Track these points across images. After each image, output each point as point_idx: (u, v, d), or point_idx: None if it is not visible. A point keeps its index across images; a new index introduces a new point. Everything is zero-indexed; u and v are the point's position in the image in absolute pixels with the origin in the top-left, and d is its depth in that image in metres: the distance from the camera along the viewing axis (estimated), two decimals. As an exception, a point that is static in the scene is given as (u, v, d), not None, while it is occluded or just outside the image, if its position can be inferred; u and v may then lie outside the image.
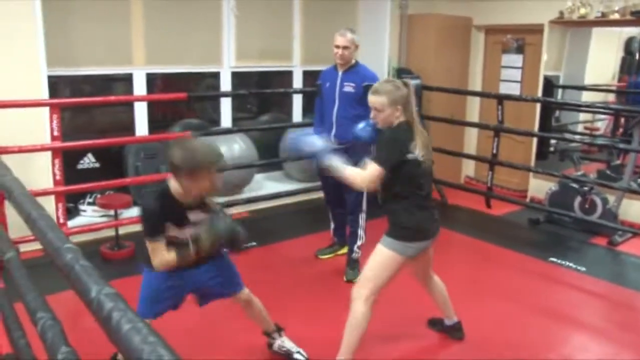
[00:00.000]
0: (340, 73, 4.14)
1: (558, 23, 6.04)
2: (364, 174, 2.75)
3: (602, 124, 8.23)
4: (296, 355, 3.09)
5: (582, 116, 7.99)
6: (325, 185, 4.47)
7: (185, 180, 2.37)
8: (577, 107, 6.90)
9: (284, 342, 3.12)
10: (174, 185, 2.44)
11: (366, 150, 3.70)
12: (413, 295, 3.64)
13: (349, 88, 4.05)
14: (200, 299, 2.85)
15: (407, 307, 3.75)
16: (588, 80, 7.57)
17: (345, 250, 4.46)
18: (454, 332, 3.43)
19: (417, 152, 2.76)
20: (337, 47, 4.05)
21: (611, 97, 7.96)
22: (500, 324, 3.65)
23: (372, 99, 2.83)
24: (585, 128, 8.04)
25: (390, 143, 2.79)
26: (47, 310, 1.36)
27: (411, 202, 2.81)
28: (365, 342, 2.95)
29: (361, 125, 3.10)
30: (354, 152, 3.78)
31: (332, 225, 4.62)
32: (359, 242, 4.27)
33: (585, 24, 5.98)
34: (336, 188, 4.03)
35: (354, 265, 4.24)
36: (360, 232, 4.25)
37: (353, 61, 4.14)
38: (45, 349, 1.28)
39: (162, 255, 2.43)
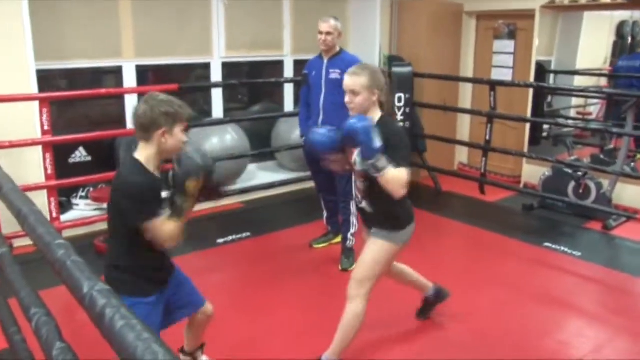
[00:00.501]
0: (325, 61, 4.19)
1: (550, 8, 6.02)
2: (403, 181, 2.52)
3: (595, 108, 8.27)
4: None
5: (575, 101, 8.01)
6: (315, 174, 4.45)
7: (164, 137, 2.18)
8: (570, 92, 6.91)
9: None
10: (146, 154, 2.21)
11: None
12: (398, 291, 3.64)
13: (334, 75, 4.07)
14: (176, 317, 2.55)
15: (394, 303, 3.72)
16: (580, 65, 7.59)
17: (339, 239, 4.43)
18: (441, 296, 3.40)
19: None
20: (321, 33, 4.13)
21: (603, 82, 7.99)
22: (496, 311, 3.65)
23: (349, 81, 2.63)
24: (578, 113, 8.06)
25: (404, 138, 2.66)
26: (41, 306, 1.34)
27: (401, 201, 2.68)
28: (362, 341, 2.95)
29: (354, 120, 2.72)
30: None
31: (325, 214, 4.61)
32: (352, 230, 4.26)
33: (576, 8, 5.97)
34: (327, 176, 4.00)
35: (349, 254, 4.24)
36: (353, 219, 4.23)
37: (337, 48, 4.20)
38: (40, 344, 1.26)
39: (168, 229, 2.17)
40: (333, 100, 4.05)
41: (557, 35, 6.94)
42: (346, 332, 2.77)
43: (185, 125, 2.24)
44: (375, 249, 2.78)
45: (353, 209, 4.18)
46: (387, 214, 2.76)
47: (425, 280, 3.38)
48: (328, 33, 4.11)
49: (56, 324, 1.21)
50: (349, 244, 4.27)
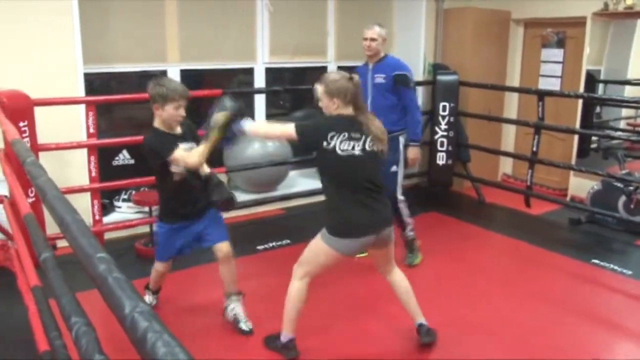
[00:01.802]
0: (370, 66, 4.28)
1: (602, 15, 5.84)
2: (280, 127, 2.97)
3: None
4: (242, 325, 3.32)
5: (625, 112, 7.75)
6: None
7: (157, 110, 2.98)
8: (623, 103, 6.65)
9: (236, 309, 3.35)
10: (157, 122, 3.04)
11: (393, 147, 3.98)
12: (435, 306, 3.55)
13: (379, 79, 4.19)
14: (193, 245, 3.33)
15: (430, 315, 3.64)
16: (632, 74, 7.34)
17: (418, 242, 4.55)
18: (422, 335, 3.18)
19: (337, 144, 2.77)
20: (365, 39, 4.22)
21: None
22: (541, 328, 3.52)
23: (315, 87, 2.91)
24: (628, 124, 7.79)
25: (313, 120, 2.98)
26: (81, 315, 1.32)
27: (342, 198, 2.82)
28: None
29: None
30: (389, 144, 3.92)
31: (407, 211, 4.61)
32: (408, 227, 4.41)
33: (631, 15, 5.77)
34: (391, 183, 4.17)
35: (412, 246, 4.43)
36: (406, 218, 4.39)
37: (382, 54, 4.27)
38: (79, 355, 1.24)
39: (191, 155, 2.92)
40: (379, 104, 4.14)
41: (607, 43, 6.72)
42: (286, 308, 3.01)
43: (179, 104, 2.97)
44: (315, 241, 2.94)
45: (405, 210, 4.36)
46: (326, 214, 2.91)
47: (418, 312, 3.20)
48: (372, 39, 4.18)
49: (96, 335, 1.18)
50: (409, 237, 4.44)
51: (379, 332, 3.43)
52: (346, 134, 2.78)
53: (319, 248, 2.90)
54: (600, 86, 6.99)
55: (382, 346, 3.28)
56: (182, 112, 3.00)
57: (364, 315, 3.62)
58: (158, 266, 3.40)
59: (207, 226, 3.24)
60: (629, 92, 7.24)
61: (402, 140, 4.24)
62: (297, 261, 3.03)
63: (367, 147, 2.83)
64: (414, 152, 4.26)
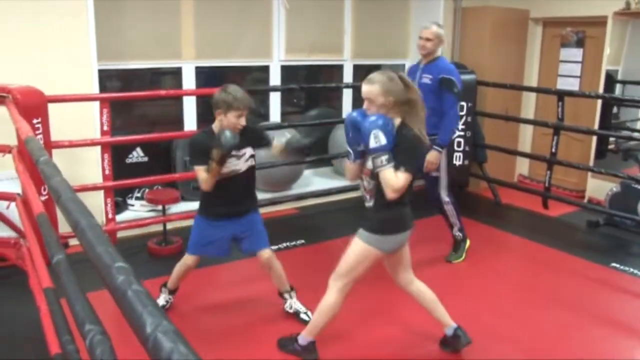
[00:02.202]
0: (421, 66, 4.25)
1: (623, 14, 5.73)
2: (399, 184, 2.62)
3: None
4: (302, 315, 3.44)
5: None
6: (422, 178, 4.51)
7: (219, 116, 3.06)
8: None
9: (294, 303, 3.48)
10: (215, 125, 3.11)
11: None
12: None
13: (426, 80, 4.13)
14: (241, 246, 3.37)
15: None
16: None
17: (468, 243, 4.62)
18: (458, 342, 3.11)
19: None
20: (421, 38, 4.18)
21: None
22: (561, 334, 3.45)
23: (364, 89, 2.73)
24: (646, 126, 7.68)
25: (413, 148, 2.71)
26: (96, 322, 1.27)
27: (402, 199, 2.73)
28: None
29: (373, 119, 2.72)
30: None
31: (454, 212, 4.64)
32: (456, 228, 4.50)
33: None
34: (430, 183, 4.41)
35: (457, 246, 4.52)
36: (453, 219, 4.47)
37: (437, 54, 4.24)
38: (93, 364, 1.18)
39: (200, 176, 3.05)
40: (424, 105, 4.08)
41: (625, 43, 6.60)
42: (318, 317, 2.96)
43: (242, 113, 3.04)
44: (353, 245, 2.85)
45: (451, 211, 4.45)
46: (372, 214, 2.82)
47: (447, 317, 3.13)
48: (428, 39, 4.14)
49: (111, 344, 1.13)
50: (458, 237, 4.54)
51: (394, 337, 3.37)
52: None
53: (361, 251, 2.82)
54: (618, 86, 6.89)
55: (398, 352, 3.21)
56: (243, 121, 3.06)
57: (377, 320, 3.57)
58: (187, 259, 3.36)
59: (247, 229, 3.31)
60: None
61: None
62: (333, 274, 2.92)
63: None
64: (433, 156, 4.12)
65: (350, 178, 2.99)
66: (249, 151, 3.20)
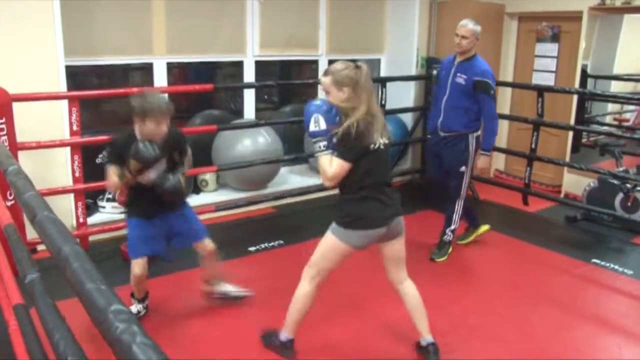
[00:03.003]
0: (456, 63, 4.19)
1: (599, 10, 5.72)
2: (328, 172, 2.66)
3: (631, 115, 7.93)
4: (234, 293, 3.54)
5: (610, 107, 7.70)
6: (434, 164, 4.54)
7: (138, 123, 2.94)
8: (620, 99, 6.56)
9: (224, 286, 3.53)
10: (136, 129, 2.98)
11: (462, 147, 4.17)
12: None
13: (460, 80, 4.10)
14: (174, 243, 3.30)
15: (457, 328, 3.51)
16: (617, 69, 7.27)
17: (484, 228, 4.73)
18: (425, 355, 3.00)
19: (375, 139, 2.69)
20: (457, 35, 4.13)
21: (640, 88, 7.65)
22: (550, 333, 3.40)
23: (322, 80, 2.74)
24: (614, 119, 7.74)
25: (351, 139, 2.63)
26: (78, 354, 1.13)
27: (358, 192, 2.72)
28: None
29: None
30: (452, 144, 4.20)
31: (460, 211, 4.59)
32: (452, 227, 4.43)
33: (629, 10, 5.66)
34: (444, 174, 4.36)
35: (442, 246, 4.44)
36: (455, 217, 4.40)
37: (472, 53, 4.17)
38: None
39: (112, 178, 2.99)
40: (454, 104, 4.15)
41: (594, 38, 6.62)
42: (292, 309, 2.93)
43: (159, 120, 2.92)
44: (325, 240, 2.84)
45: (458, 207, 4.38)
46: (339, 206, 2.80)
47: (426, 329, 3.02)
48: (463, 37, 4.09)
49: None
50: (445, 238, 4.44)
51: (373, 332, 3.29)
52: (376, 128, 2.71)
53: (329, 243, 2.81)
54: (589, 81, 6.92)
55: (379, 348, 3.13)
56: (163, 128, 2.96)
57: (356, 315, 3.51)
58: (134, 267, 3.17)
59: (182, 224, 3.26)
60: (615, 87, 7.19)
61: (471, 140, 4.18)
62: (307, 264, 2.92)
63: (383, 140, 2.74)
64: (483, 161, 4.22)
65: None
66: (169, 160, 3.12)
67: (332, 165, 2.64)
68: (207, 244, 3.32)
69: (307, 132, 2.68)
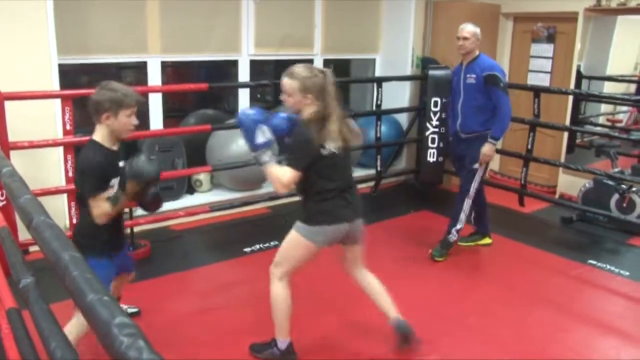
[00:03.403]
0: (464, 66, 4.30)
1: (594, 11, 5.72)
2: (282, 180, 2.67)
3: (624, 116, 7.95)
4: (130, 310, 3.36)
5: (603, 108, 7.71)
6: (457, 172, 4.69)
7: (108, 120, 2.50)
8: (623, 101, 6.56)
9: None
10: (100, 134, 2.55)
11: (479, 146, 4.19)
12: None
13: (470, 80, 4.23)
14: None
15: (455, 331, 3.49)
16: (610, 70, 7.28)
17: (486, 240, 4.73)
18: (402, 336, 3.00)
19: (331, 145, 2.71)
20: (458, 38, 4.22)
21: (633, 88, 7.67)
22: (547, 335, 3.39)
23: (284, 82, 2.73)
24: (607, 120, 7.76)
25: (303, 143, 2.69)
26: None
27: (320, 194, 2.77)
28: None
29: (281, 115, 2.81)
30: (472, 143, 4.26)
31: (473, 214, 4.64)
32: (458, 226, 4.40)
33: (624, 11, 5.66)
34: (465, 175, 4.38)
35: (445, 245, 4.42)
36: (462, 216, 4.38)
37: (476, 53, 4.25)
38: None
39: (100, 208, 2.49)
40: (470, 104, 4.26)
41: (587, 39, 6.63)
42: (275, 315, 2.91)
43: (132, 111, 2.54)
44: (288, 238, 2.87)
45: (465, 206, 4.37)
46: (303, 206, 2.84)
47: (392, 309, 3.03)
48: (465, 38, 4.18)
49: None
50: (450, 237, 4.41)
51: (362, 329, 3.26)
52: (330, 132, 2.73)
53: (294, 241, 2.85)
54: (584, 82, 6.92)
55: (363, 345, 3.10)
56: (135, 120, 2.58)
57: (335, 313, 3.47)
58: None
59: (126, 253, 2.94)
60: (607, 88, 7.21)
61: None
62: (273, 263, 2.92)
63: (339, 145, 2.77)
64: (487, 148, 4.21)
65: None
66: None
67: (285, 172, 2.65)
68: (131, 274, 3.03)
69: (250, 143, 2.66)
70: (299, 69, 2.73)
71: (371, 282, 3.07)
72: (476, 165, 4.28)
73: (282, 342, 2.95)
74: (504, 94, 4.15)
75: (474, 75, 4.20)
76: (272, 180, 2.70)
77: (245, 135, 2.67)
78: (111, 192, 2.54)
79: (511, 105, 4.20)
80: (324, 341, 3.25)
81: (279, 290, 2.87)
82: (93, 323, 0.73)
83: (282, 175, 2.65)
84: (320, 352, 3.13)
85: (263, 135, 2.64)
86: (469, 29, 4.19)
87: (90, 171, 2.47)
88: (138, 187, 2.54)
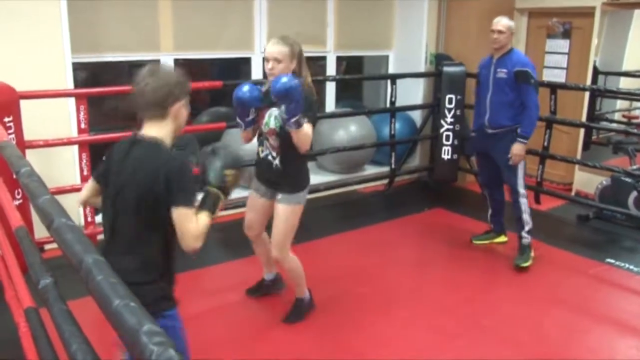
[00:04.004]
0: (494, 60, 4.21)
1: (612, 5, 5.64)
2: (310, 137, 2.89)
3: (640, 112, 7.89)
4: None
5: (619, 104, 7.65)
6: (482, 167, 4.61)
7: (181, 109, 2.00)
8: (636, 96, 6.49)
9: None
10: (165, 132, 1.97)
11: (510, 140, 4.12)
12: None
13: (501, 74, 4.13)
14: None
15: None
16: (626, 66, 7.21)
17: (501, 238, 4.65)
18: (275, 285, 3.63)
19: None
20: (493, 31, 4.14)
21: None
22: (564, 336, 3.36)
23: (275, 49, 2.91)
24: (623, 116, 7.69)
25: (313, 103, 2.96)
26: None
27: (303, 157, 3.07)
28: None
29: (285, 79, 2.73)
30: (500, 138, 4.18)
31: (489, 211, 4.62)
32: (526, 228, 4.28)
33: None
34: (494, 171, 4.33)
35: (524, 250, 4.28)
36: (525, 216, 4.27)
37: (509, 47, 4.19)
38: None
39: (202, 223, 1.93)
40: (499, 99, 4.16)
41: (602, 34, 6.55)
42: (296, 280, 3.31)
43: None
44: (288, 216, 3.06)
45: (524, 206, 4.26)
46: (295, 171, 3.04)
47: (273, 265, 3.52)
48: (499, 32, 4.10)
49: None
50: (524, 241, 4.29)
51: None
52: None
53: (296, 214, 3.09)
54: (599, 77, 6.85)
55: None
56: None
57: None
58: None
59: None
60: (624, 84, 7.13)
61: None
62: (274, 249, 3.15)
63: None
64: (517, 148, 4.11)
65: (246, 142, 3.22)
66: None
67: (309, 130, 2.86)
68: None
69: (293, 110, 2.73)
70: (283, 38, 2.98)
71: (267, 241, 3.36)
72: (511, 162, 4.16)
73: (306, 295, 3.36)
74: (534, 91, 4.07)
75: (505, 70, 4.11)
76: (306, 139, 2.86)
77: (289, 104, 2.71)
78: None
79: (539, 103, 4.14)
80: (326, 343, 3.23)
81: (293, 263, 3.20)
82: (120, 330, 0.71)
83: (310, 132, 2.86)
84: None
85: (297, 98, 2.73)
86: (504, 22, 4.12)
87: (188, 178, 1.92)
88: (238, 176, 2.11)
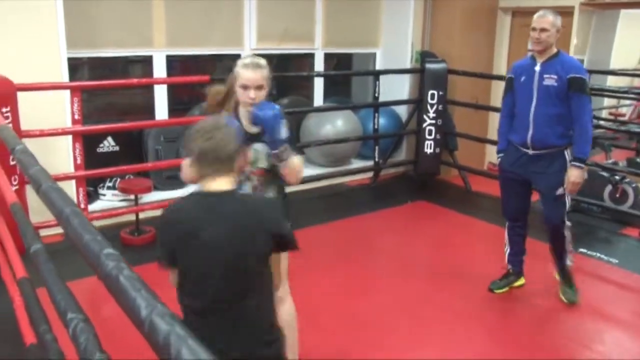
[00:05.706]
0: (538, 64, 3.43)
1: (590, 5, 5.83)
2: (302, 169, 2.50)
3: (628, 109, 8.06)
4: None
5: (607, 102, 7.81)
6: (508, 198, 3.86)
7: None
8: (623, 94, 6.67)
9: None
10: (232, 185, 1.90)
11: (559, 166, 3.47)
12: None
13: (550, 81, 3.35)
14: None
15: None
16: (614, 64, 7.38)
17: (520, 282, 3.94)
18: None
19: None
20: (534, 29, 3.40)
21: (637, 82, 7.78)
22: (532, 320, 3.54)
23: (260, 75, 2.39)
24: (610, 114, 7.86)
25: (293, 131, 2.57)
26: (78, 311, 1.27)
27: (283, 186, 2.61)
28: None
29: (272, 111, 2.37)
30: (546, 162, 3.49)
31: (508, 250, 3.93)
32: (571, 256, 3.76)
33: (617, 5, 5.77)
34: (522, 202, 3.77)
35: (565, 277, 3.78)
36: (569, 246, 3.71)
37: (554, 49, 3.44)
38: (77, 353, 1.19)
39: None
40: (547, 111, 3.39)
41: (590, 33, 6.73)
42: (292, 333, 2.58)
43: None
44: (285, 254, 2.56)
45: (568, 235, 3.67)
46: (284, 199, 2.61)
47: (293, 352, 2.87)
48: (543, 30, 3.36)
49: (95, 333, 1.14)
50: (568, 267, 3.76)
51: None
52: None
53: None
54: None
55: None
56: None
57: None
58: None
59: None
60: (611, 81, 7.31)
61: (567, 156, 3.46)
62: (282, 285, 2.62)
63: None
64: (576, 175, 3.41)
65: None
66: None
67: (300, 161, 2.49)
68: None
69: (278, 138, 2.34)
70: (256, 58, 2.49)
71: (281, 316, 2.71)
72: (560, 190, 3.50)
73: None
74: (589, 102, 3.38)
75: (555, 77, 3.33)
76: (297, 171, 2.46)
77: (272, 132, 2.34)
78: None
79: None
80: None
81: (294, 309, 2.67)
82: (83, 252, 0.90)
83: (300, 164, 2.47)
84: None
85: (285, 127, 2.37)
86: (549, 18, 3.40)
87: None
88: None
